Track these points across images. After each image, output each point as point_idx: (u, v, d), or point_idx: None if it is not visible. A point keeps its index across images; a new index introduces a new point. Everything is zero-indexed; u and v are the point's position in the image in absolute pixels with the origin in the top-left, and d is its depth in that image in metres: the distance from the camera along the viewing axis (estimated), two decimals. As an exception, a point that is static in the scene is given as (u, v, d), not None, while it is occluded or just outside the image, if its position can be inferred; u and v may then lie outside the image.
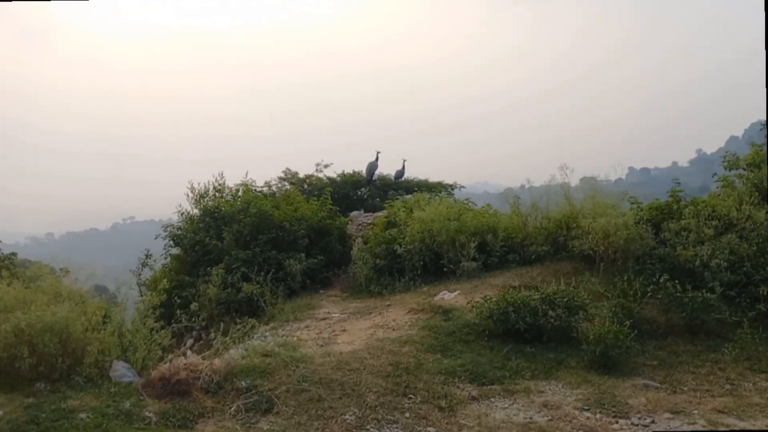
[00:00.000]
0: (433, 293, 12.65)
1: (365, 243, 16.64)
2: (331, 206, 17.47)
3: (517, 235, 14.27)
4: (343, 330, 10.81)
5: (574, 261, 13.42)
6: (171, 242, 17.03)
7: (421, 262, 13.92)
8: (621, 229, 11.95)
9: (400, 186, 29.92)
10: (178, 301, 14.72)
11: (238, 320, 14.31)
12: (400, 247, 14.07)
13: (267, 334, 10.90)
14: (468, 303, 11.31)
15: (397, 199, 17.77)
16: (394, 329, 10.42)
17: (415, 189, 30.30)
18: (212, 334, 14.35)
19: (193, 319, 15.23)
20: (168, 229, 17.11)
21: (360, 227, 20.00)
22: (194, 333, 15.23)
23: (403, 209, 15.31)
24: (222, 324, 14.24)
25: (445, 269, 13.73)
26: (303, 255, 15.21)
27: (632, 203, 13.59)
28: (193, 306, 14.39)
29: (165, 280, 15.96)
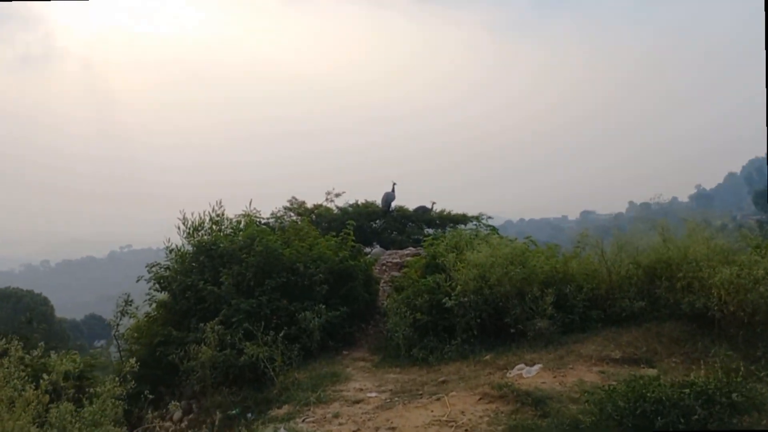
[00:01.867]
0: (501, 365, 9.42)
1: (397, 290, 13.43)
2: (353, 243, 14.30)
3: (599, 285, 11.09)
4: (392, 428, 7.52)
5: (680, 322, 10.23)
6: (156, 285, 13.77)
7: (478, 320, 10.70)
8: (762, 283, 8.79)
9: (420, 218, 26.88)
10: (165, 360, 11.60)
11: (239, 392, 11.30)
12: (450, 299, 10.86)
13: (281, 430, 7.62)
14: (562, 384, 8.13)
15: (438, 236, 14.56)
16: (467, 430, 7.15)
17: (437, 221, 27.41)
18: (206, 405, 11.15)
19: (181, 389, 12.05)
20: (153, 269, 13.88)
21: (384, 268, 16.79)
22: (183, 403, 11.91)
23: (450, 248, 12.11)
24: (218, 397, 11.30)
25: (511, 330, 10.49)
26: (322, 306, 11.97)
27: (755, 246, 10.40)
28: (183, 368, 11.25)
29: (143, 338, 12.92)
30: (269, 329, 11.12)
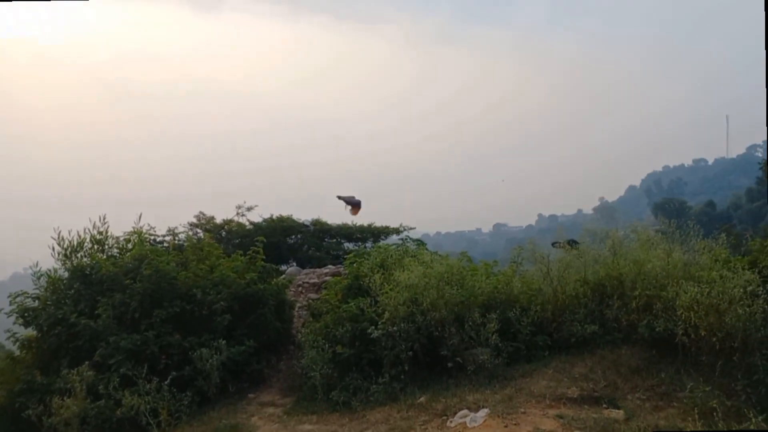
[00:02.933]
0: (440, 410, 7.75)
1: (314, 317, 11.59)
2: (263, 263, 12.34)
3: (545, 307, 9.67)
4: None
5: (638, 347, 8.95)
6: (21, 319, 11.29)
7: (410, 352, 9.03)
8: (739, 304, 7.57)
9: (340, 233, 25.14)
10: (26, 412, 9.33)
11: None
12: (376, 328, 9.14)
13: None
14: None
15: (361, 252, 12.81)
16: None
17: (358, 235, 25.71)
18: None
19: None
20: (17, 299, 11.39)
21: (300, 289, 14.90)
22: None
23: (376, 267, 10.38)
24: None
25: (449, 363, 8.87)
26: (222, 341, 9.96)
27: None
28: (45, 427, 9.02)
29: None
30: (155, 372, 9.03)
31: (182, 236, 16.68)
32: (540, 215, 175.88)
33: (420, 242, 14.18)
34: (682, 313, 8.06)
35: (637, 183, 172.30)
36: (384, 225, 24.11)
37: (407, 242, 14.09)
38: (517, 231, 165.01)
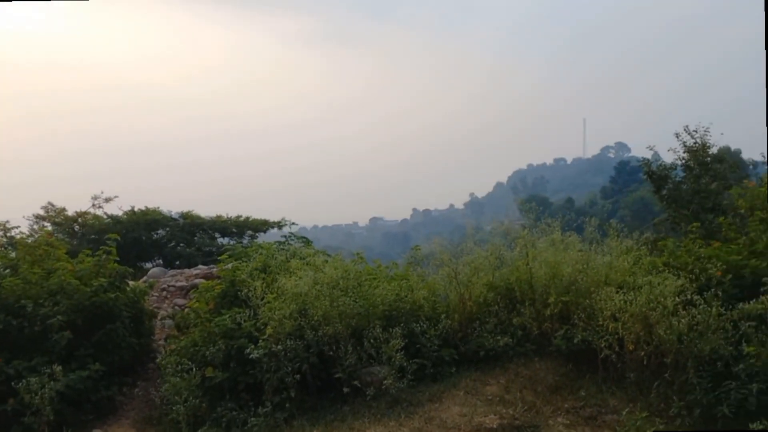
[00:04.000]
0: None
1: (179, 329, 9.75)
2: (116, 264, 10.22)
3: (452, 316, 8.54)
4: None
5: (552, 361, 8.08)
6: None
7: (297, 375, 7.51)
8: (677, 315, 6.80)
9: (213, 227, 22.92)
10: None
11: None
12: (256, 346, 7.54)
13: None
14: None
15: (237, 251, 11.02)
16: None
17: (233, 229, 23.60)
18: None
19: None
20: None
21: (164, 294, 12.85)
22: None
23: (256, 272, 8.72)
24: None
25: (345, 388, 7.45)
26: (57, 367, 7.87)
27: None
28: None
29: None
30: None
31: (17, 232, 13.87)
32: (414, 209, 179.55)
33: (306, 240, 12.62)
34: (605, 323, 7.22)
35: (504, 180, 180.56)
36: (262, 219, 22.24)
37: (291, 240, 12.49)
38: (393, 225, 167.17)
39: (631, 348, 7.02)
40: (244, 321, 8.04)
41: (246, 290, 8.25)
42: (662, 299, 6.93)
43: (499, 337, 8.19)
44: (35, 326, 8.37)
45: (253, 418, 7.22)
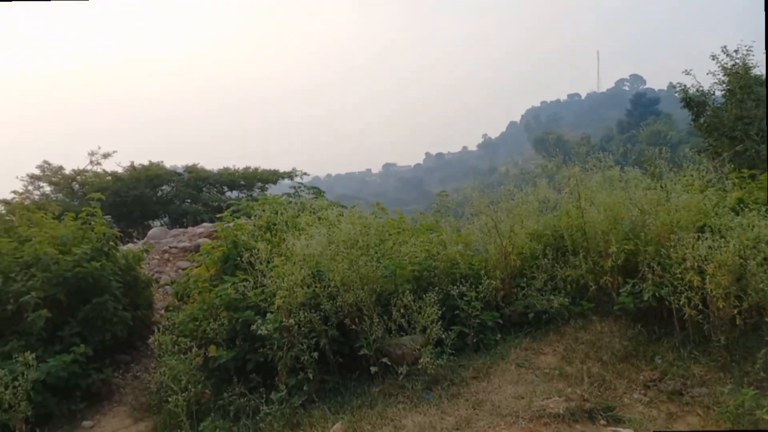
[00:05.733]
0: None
1: (179, 298, 8.58)
2: (105, 227, 8.98)
3: (492, 273, 7.23)
4: None
5: (614, 322, 6.81)
6: None
7: (314, 353, 6.27)
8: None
9: (220, 181, 21.71)
10: None
11: None
12: (264, 321, 6.31)
13: None
14: None
15: (241, 205, 9.70)
16: None
17: (242, 182, 22.31)
18: None
19: None
20: None
21: (167, 257, 11.69)
22: None
23: (260, 232, 7.43)
24: None
25: (372, 367, 6.23)
26: (30, 354, 6.67)
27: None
28: None
29: None
30: None
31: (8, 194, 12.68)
32: (427, 153, 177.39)
33: (317, 190, 11.26)
34: (684, 275, 5.89)
35: (517, 119, 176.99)
36: (272, 169, 20.94)
37: (300, 191, 11.14)
38: (406, 170, 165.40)
39: (720, 305, 5.69)
40: (249, 290, 6.79)
41: (248, 254, 6.95)
42: (760, 244, 5.57)
43: (552, 296, 6.90)
44: (8, 305, 7.19)
45: (265, 407, 6.04)
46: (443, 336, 6.14)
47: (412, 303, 6.24)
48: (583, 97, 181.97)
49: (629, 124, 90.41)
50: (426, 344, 6.13)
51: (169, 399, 6.23)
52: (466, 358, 6.49)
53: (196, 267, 8.83)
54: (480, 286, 6.71)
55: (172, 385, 6.25)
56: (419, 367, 6.07)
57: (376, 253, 6.72)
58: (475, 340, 6.68)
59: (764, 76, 16.43)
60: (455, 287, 6.68)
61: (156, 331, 7.90)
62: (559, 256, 7.53)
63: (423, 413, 5.51)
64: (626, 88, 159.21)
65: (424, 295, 6.31)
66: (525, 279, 7.25)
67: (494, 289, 7.08)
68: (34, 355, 6.49)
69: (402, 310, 6.27)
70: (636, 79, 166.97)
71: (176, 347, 6.64)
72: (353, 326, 6.40)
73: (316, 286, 6.53)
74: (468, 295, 6.67)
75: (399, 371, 6.10)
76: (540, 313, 6.93)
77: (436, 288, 6.51)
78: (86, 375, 7.34)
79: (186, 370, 6.43)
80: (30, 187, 19.70)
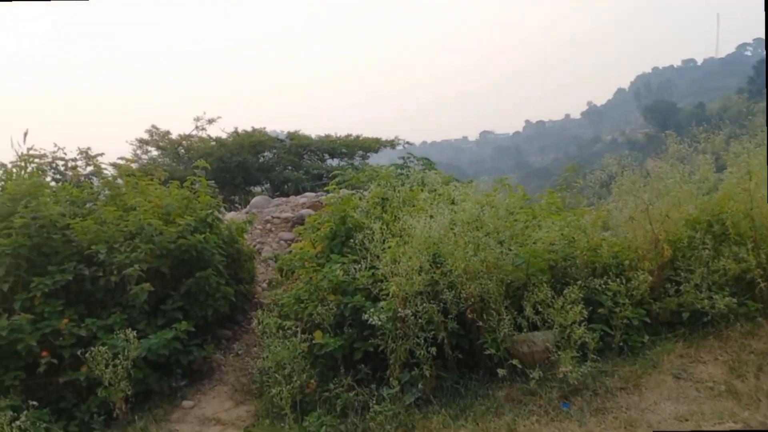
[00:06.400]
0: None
1: (283, 275, 8.10)
2: (210, 197, 8.62)
3: (640, 264, 6.17)
4: None
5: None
6: None
7: (432, 347, 5.52)
8: None
9: (321, 148, 21.32)
10: None
11: None
12: (377, 310, 5.64)
13: None
14: None
15: (347, 175, 9.08)
16: None
17: (343, 150, 21.86)
18: None
19: None
20: None
21: (270, 227, 11.33)
22: None
23: (376, 208, 6.74)
24: None
25: (498, 370, 5.42)
26: (132, 332, 6.33)
27: None
28: None
29: None
30: (36, 377, 5.57)
31: (106, 162, 12.69)
32: (527, 121, 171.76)
33: (428, 161, 10.41)
34: None
35: (626, 86, 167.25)
36: (374, 137, 20.28)
37: (410, 161, 10.34)
38: (504, 138, 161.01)
39: None
40: (360, 274, 6.13)
41: (362, 235, 6.26)
42: None
43: (715, 296, 5.79)
44: (111, 276, 6.93)
45: (376, 406, 5.39)
46: (588, 340, 5.22)
47: (551, 299, 5.34)
48: (699, 63, 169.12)
49: (751, 92, 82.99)
50: (566, 347, 5.24)
51: (272, 386, 5.72)
52: (609, 362, 5.54)
53: (299, 243, 8.30)
54: (623, 279, 5.70)
55: (276, 375, 5.72)
56: (556, 373, 5.20)
57: (506, 238, 5.84)
58: (620, 343, 5.71)
59: None
60: (597, 280, 5.70)
61: (258, 309, 7.46)
62: (719, 246, 6.35)
63: (563, 430, 4.67)
64: (748, 54, 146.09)
65: (562, 289, 5.40)
66: (677, 272, 6.16)
67: (642, 282, 6.04)
68: (135, 332, 6.17)
69: (537, 306, 5.38)
70: (760, 43, 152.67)
71: (280, 331, 6.11)
72: (476, 321, 5.59)
73: (434, 273, 5.77)
74: (612, 288, 5.68)
75: (530, 375, 5.26)
76: (697, 314, 5.84)
77: (579, 281, 5.57)
78: (187, 352, 7.00)
79: (290, 357, 5.90)
80: (138, 152, 20.14)
